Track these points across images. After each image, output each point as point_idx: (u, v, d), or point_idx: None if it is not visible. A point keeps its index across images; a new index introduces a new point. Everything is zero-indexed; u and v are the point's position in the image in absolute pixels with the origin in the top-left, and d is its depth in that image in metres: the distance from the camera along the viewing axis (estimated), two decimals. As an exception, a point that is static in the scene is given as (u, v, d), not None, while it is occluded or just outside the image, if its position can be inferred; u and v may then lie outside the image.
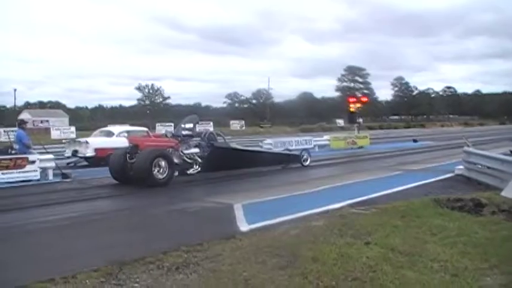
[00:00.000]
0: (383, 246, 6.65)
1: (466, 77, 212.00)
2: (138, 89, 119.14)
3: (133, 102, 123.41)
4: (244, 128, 73.79)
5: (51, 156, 17.83)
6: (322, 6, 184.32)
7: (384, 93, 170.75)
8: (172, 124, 64.31)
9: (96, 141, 21.53)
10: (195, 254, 6.61)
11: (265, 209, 10.49)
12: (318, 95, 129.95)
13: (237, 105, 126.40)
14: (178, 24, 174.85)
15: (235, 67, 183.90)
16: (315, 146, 30.24)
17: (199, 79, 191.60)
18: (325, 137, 34.19)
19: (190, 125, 17.38)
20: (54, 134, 49.35)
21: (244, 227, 8.56)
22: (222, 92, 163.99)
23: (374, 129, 75.87)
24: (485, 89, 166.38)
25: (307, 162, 20.67)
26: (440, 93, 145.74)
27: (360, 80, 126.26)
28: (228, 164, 17.44)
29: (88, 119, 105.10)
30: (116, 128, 23.89)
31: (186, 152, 16.46)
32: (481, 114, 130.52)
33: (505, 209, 9.28)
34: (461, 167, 15.64)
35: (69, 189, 14.63)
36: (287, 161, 20.39)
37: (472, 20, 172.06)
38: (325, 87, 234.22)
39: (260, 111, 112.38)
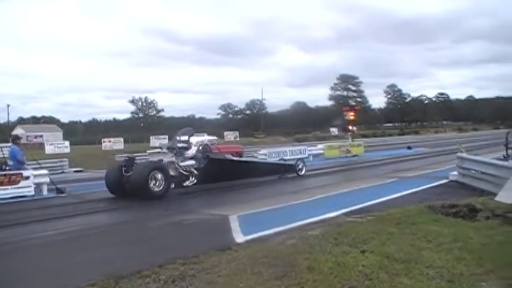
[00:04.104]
0: (379, 254, 6.65)
1: (461, 83, 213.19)
2: (132, 102, 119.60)
3: (127, 116, 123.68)
4: (238, 138, 73.58)
5: (45, 171, 17.83)
6: (317, 15, 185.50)
7: (378, 100, 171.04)
8: (166, 137, 64.31)
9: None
10: (191, 266, 6.58)
11: (260, 219, 10.49)
12: (312, 104, 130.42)
13: (230, 116, 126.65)
14: (173, 36, 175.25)
15: (229, 78, 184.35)
16: (309, 155, 30.28)
17: (193, 91, 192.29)
18: (319, 146, 34.33)
19: (186, 137, 17.35)
20: (48, 149, 49.21)
21: (239, 238, 8.52)
22: (216, 104, 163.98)
23: (368, 137, 75.96)
24: (481, 94, 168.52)
25: (303, 172, 20.83)
26: (433, 99, 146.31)
27: (353, 88, 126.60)
28: (224, 175, 17.63)
29: (82, 133, 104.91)
30: (194, 138, 24.75)
31: (182, 164, 16.48)
32: (475, 119, 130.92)
33: (500, 213, 9.32)
34: (455, 173, 15.68)
35: (64, 204, 14.57)
36: (283, 171, 20.46)
37: (467, 25, 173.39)
38: (319, 96, 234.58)
39: (254, 121, 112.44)
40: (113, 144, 59.27)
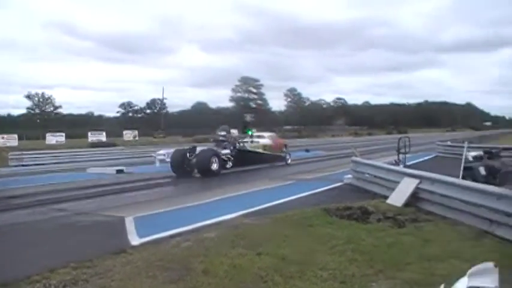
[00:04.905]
0: (274, 256, 6.72)
1: (359, 89, 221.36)
2: (28, 97, 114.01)
3: (23, 111, 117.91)
4: (137, 138, 72.31)
5: None
6: (221, 16, 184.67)
7: (278, 103, 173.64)
8: (63, 134, 62.14)
9: (262, 141, 28.24)
10: (84, 270, 6.39)
11: (156, 221, 10.31)
12: (213, 105, 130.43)
13: (130, 114, 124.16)
14: (74, 30, 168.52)
15: (130, 76, 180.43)
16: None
17: (94, 88, 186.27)
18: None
19: (224, 132, 23.74)
20: None
21: (135, 240, 8.34)
22: (117, 102, 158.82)
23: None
24: (377, 100, 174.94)
25: (289, 161, 27.81)
26: (331, 103, 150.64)
27: (254, 90, 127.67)
28: (246, 162, 23.59)
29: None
30: (264, 134, 31.34)
31: (222, 152, 22.19)
32: (370, 124, 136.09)
33: (390, 216, 9.73)
34: (349, 176, 16.11)
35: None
36: (278, 160, 27.05)
37: (366, 34, 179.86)
38: (221, 98, 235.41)
39: (154, 121, 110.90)
40: (6, 141, 56.32)
